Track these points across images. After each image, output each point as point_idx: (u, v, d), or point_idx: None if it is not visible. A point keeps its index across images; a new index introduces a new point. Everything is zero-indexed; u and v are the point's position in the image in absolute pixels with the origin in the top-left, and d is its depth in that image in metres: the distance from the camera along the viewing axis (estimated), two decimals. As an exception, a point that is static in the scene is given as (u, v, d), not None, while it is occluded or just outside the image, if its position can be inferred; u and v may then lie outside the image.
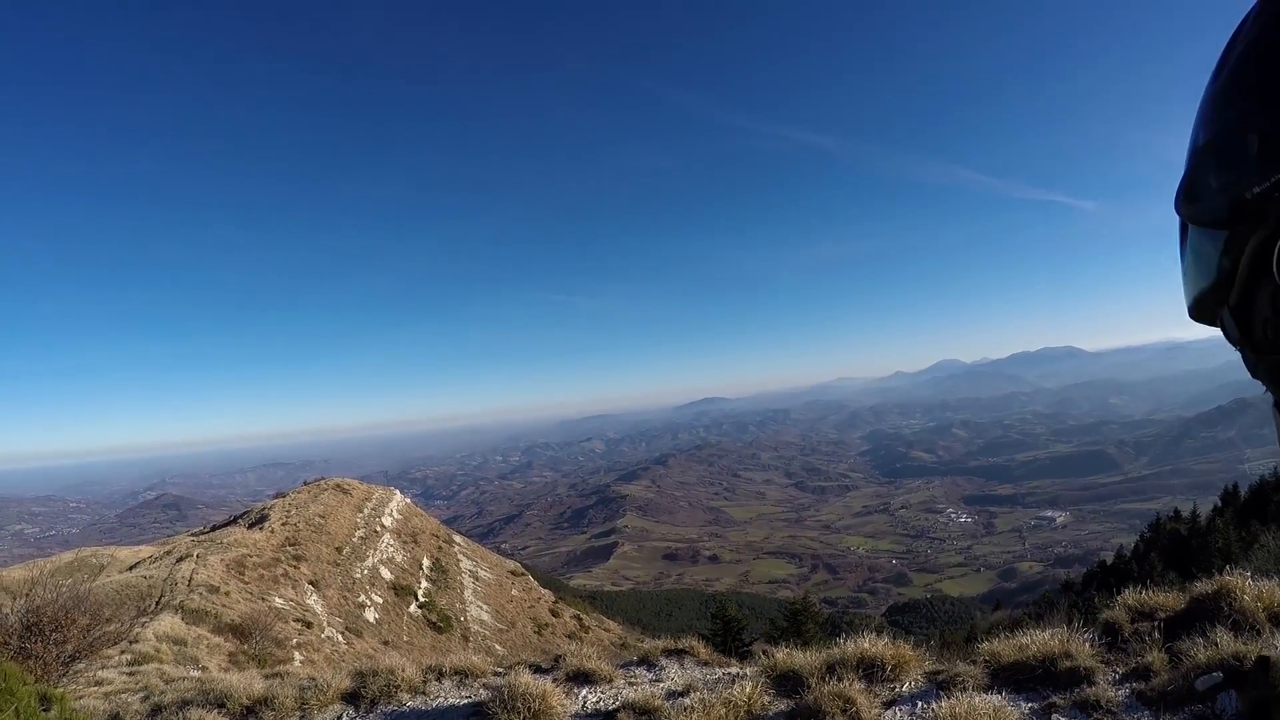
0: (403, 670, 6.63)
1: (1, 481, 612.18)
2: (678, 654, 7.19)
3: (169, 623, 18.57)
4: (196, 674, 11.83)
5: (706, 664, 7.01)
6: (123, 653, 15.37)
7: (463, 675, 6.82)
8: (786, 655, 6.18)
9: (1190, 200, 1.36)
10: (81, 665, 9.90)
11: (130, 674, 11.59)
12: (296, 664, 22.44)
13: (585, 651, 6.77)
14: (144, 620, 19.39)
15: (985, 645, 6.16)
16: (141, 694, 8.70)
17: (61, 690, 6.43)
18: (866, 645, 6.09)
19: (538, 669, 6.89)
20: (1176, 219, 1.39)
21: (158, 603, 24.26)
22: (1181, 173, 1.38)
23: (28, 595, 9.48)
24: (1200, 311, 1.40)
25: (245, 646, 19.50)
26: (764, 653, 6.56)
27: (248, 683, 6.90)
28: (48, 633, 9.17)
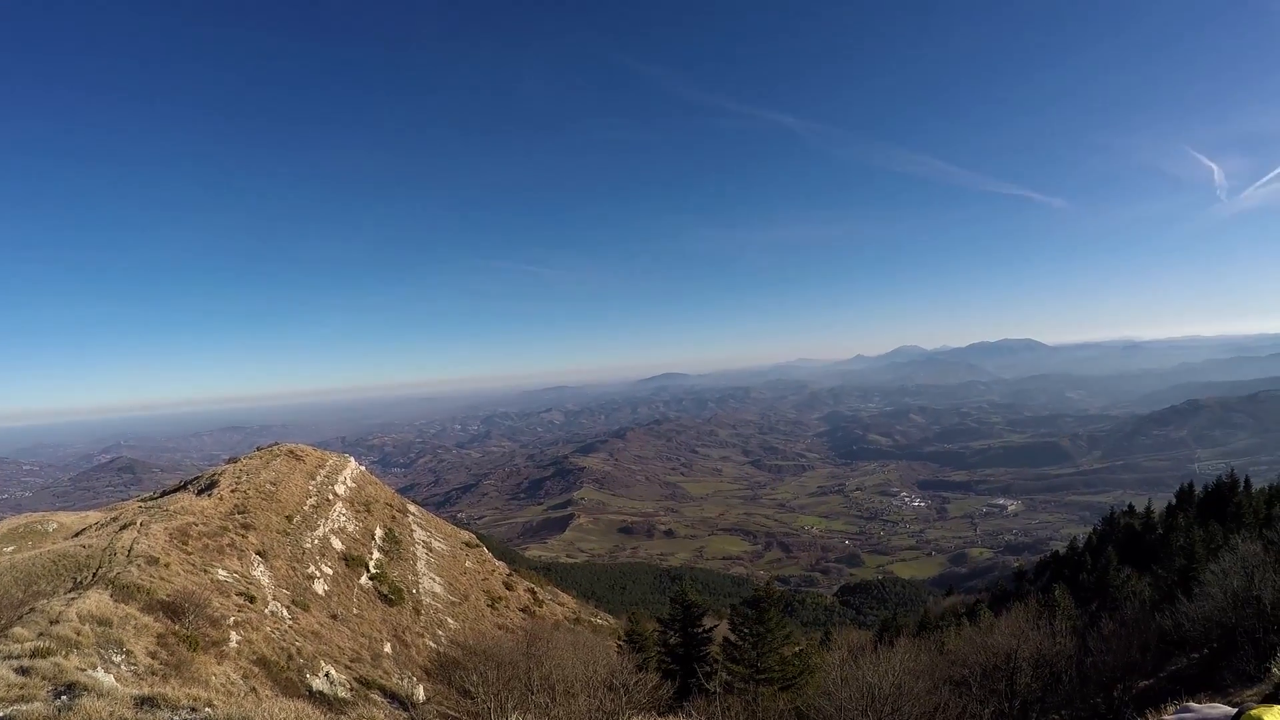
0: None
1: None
2: None
3: (95, 600, 17.29)
4: (97, 674, 10.76)
5: None
6: (40, 635, 14.18)
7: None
8: None
9: None
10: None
11: (25, 670, 10.41)
12: (233, 645, 21.32)
13: None
14: (71, 597, 18.11)
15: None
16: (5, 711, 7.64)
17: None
18: None
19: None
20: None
21: (94, 574, 23.01)
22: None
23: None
24: None
25: (177, 627, 18.31)
26: None
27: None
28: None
